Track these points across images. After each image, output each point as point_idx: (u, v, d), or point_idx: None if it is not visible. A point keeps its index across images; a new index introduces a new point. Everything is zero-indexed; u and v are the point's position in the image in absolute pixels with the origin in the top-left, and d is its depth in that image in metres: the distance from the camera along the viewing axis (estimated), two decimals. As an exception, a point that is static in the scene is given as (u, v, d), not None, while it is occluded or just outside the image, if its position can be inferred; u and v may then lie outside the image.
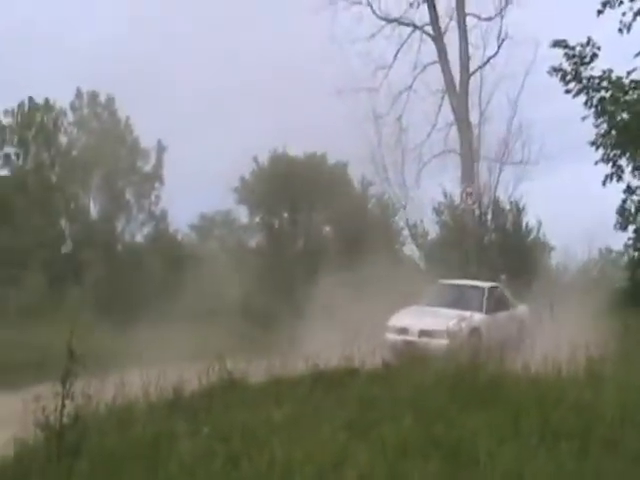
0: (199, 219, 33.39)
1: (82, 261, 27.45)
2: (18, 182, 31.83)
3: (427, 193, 29.22)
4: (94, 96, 36.70)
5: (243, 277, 24.24)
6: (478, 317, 15.42)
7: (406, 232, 30.78)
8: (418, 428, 7.01)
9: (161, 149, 36.19)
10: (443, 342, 13.81)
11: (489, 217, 29.42)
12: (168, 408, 7.37)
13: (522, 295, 18.72)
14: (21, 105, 36.03)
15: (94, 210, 33.20)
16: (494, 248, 27.39)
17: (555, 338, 12.11)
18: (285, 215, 32.40)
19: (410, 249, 31.10)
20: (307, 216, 32.32)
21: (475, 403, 7.88)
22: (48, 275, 23.89)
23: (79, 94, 36.66)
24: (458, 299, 16.08)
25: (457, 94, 27.36)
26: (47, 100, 36.15)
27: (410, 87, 27.99)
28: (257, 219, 31.99)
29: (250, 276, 24.20)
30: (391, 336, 15.06)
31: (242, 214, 32.76)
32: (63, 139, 36.74)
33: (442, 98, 27.92)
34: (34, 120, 36.13)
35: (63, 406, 6.18)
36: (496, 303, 16.33)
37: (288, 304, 20.68)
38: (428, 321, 15.08)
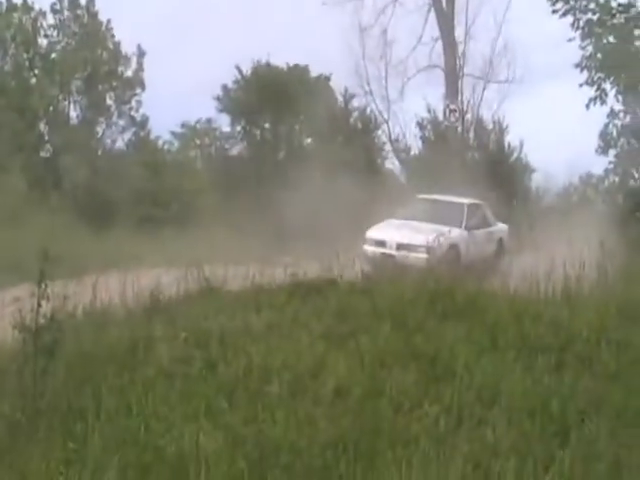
0: (180, 126, 32.95)
1: (62, 165, 27.13)
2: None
3: (410, 108, 28.99)
4: (74, -2, 35.71)
5: (222, 185, 24.09)
6: (457, 233, 15.04)
7: (388, 146, 30.58)
8: (396, 339, 7.04)
9: (142, 54, 35.44)
10: (421, 256, 13.69)
11: (471, 135, 29.27)
12: (145, 313, 7.34)
13: (502, 215, 18.58)
14: (-1, 6, 35.00)
15: (74, 114, 32.71)
16: (476, 166, 27.27)
17: (534, 258, 12.18)
18: (267, 125, 32.02)
19: (392, 163, 30.93)
20: (289, 127, 31.99)
21: (453, 317, 7.91)
22: (27, 179, 23.59)
23: (59, -5, 35.64)
24: (437, 214, 15.51)
25: (443, 9, 26.88)
26: (26, 0, 35.14)
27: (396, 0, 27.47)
28: (238, 128, 31.58)
29: (229, 185, 24.06)
30: (369, 248, 14.76)
31: (224, 123, 32.33)
32: (43, 41, 35.90)
33: (428, 12, 27.43)
34: (12, 21, 35.20)
35: (39, 306, 6.10)
36: (476, 220, 15.87)
37: (267, 214, 20.57)
38: (407, 235, 14.70)
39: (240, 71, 31.74)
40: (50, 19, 35.82)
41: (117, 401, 5.56)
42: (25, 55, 35.33)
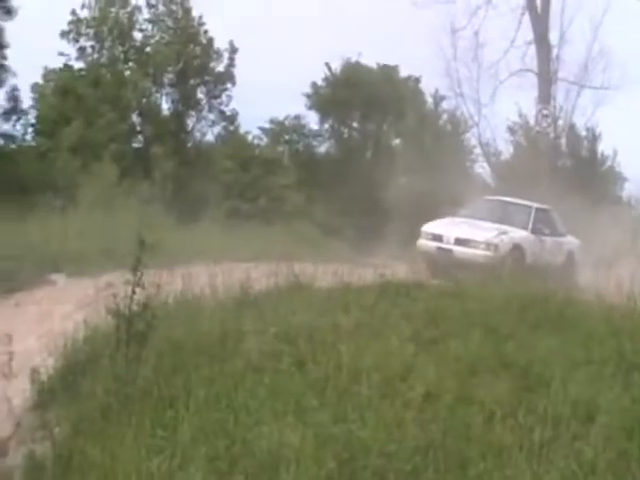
0: (269, 122, 33.16)
1: (152, 156, 27.66)
2: (92, 76, 31.94)
3: (501, 112, 28.57)
4: (169, -7, 36.40)
5: (309, 182, 24.14)
6: (522, 234, 14.18)
7: (478, 150, 30.16)
8: (487, 346, 6.87)
9: (234, 50, 35.89)
10: (481, 253, 13.05)
11: (563, 141, 28.64)
12: (235, 306, 7.36)
13: (588, 224, 17.79)
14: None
15: (165, 107, 33.31)
16: (566, 173, 26.68)
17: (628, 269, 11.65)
18: (355, 124, 31.99)
19: (481, 167, 30.49)
20: (377, 127, 31.88)
21: (546, 327, 7.69)
22: (119, 168, 24.13)
23: (155, -10, 36.37)
24: (502, 215, 14.67)
25: (538, 12, 26.33)
26: (124, -5, 35.97)
27: (489, 1, 27.04)
28: (327, 126, 31.64)
29: (316, 182, 24.10)
30: (424, 242, 13.98)
31: (312, 120, 32.44)
32: (138, 35, 36.73)
33: (522, 15, 26.91)
34: (109, 15, 36.10)
35: (133, 293, 6.18)
36: (544, 226, 14.76)
37: (354, 214, 20.52)
38: (465, 230, 13.85)
39: (330, 69, 31.83)
40: (145, 14, 36.65)
41: (206, 392, 5.56)
42: (120, 48, 36.17)
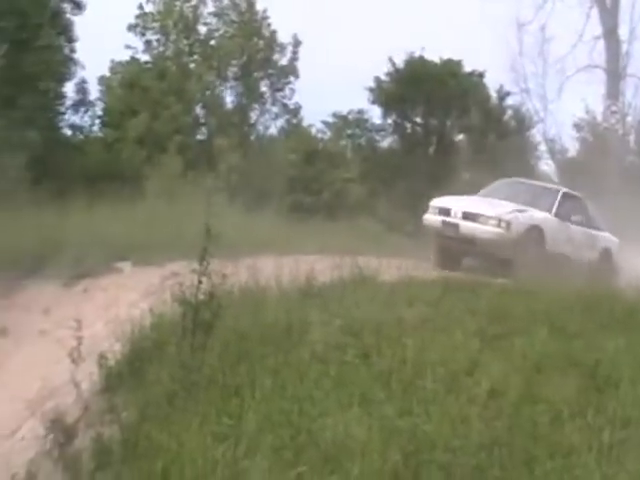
0: (332, 116, 33.13)
1: (216, 148, 27.92)
2: (158, 69, 32.38)
3: (568, 108, 28.11)
4: (233, -13, 36.74)
5: (372, 177, 24.08)
6: (542, 215, 12.73)
7: (543, 147, 29.70)
8: (554, 344, 6.78)
9: (297, 43, 36.00)
10: (489, 229, 11.81)
11: (632, 138, 28.03)
12: (300, 297, 7.39)
13: None
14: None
15: (229, 100, 33.58)
16: (635, 171, 26.10)
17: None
18: (418, 119, 31.77)
19: (546, 164, 30.02)
20: (440, 122, 31.61)
21: (614, 327, 7.55)
22: (183, 160, 24.45)
23: (219, -16, 36.73)
24: (524, 196, 13.26)
25: (607, 6, 25.81)
26: (188, -12, 36.42)
27: (557, -5, 26.65)
28: (389, 121, 31.47)
29: (379, 176, 24.02)
30: (430, 217, 12.77)
31: (375, 114, 32.29)
32: (202, 29, 37.15)
33: (590, 9, 26.43)
34: (174, 9, 36.59)
35: (200, 282, 6.24)
36: (572, 212, 13.30)
37: (416, 209, 20.40)
38: (477, 204, 12.61)
39: (393, 63, 31.64)
40: (210, 7, 37.04)
41: (272, 382, 5.59)
42: (185, 41, 36.61)
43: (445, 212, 12.46)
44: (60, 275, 10.51)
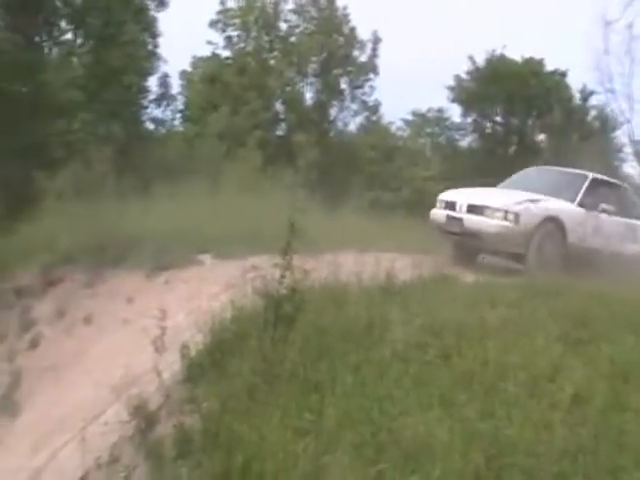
0: (411, 114, 33.02)
1: (295, 144, 28.09)
2: (238, 64, 32.74)
3: (656, 108, 27.30)
4: (314, -17, 36.90)
5: (451, 175, 23.85)
6: (562, 204, 11.21)
7: (628, 149, 28.94)
8: (640, 351, 6.60)
9: (377, 40, 35.94)
10: (494, 223, 10.59)
11: None
12: (380, 294, 7.37)
13: None
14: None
15: (309, 96, 33.76)
16: None
17: None
18: (498, 118, 31.39)
19: (631, 167, 29.23)
20: (521, 121, 31.17)
21: None
22: (263, 155, 24.68)
23: (298, -18, 36.93)
24: (545, 184, 11.87)
25: (703, 4, 25.03)
26: (269, -15, 36.72)
27: (645, -8, 25.90)
28: (469, 119, 31.19)
29: (458, 175, 23.75)
30: (436, 211, 11.67)
31: (455, 113, 32.06)
32: (282, 25, 37.41)
33: (681, 6, 25.64)
34: (255, 5, 36.94)
35: (283, 277, 6.28)
36: (604, 201, 11.65)
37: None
38: (485, 196, 11.37)
39: (474, 61, 31.34)
40: (290, 4, 37.30)
41: (352, 378, 5.59)
42: (265, 37, 36.93)
43: (451, 206, 11.36)
44: (143, 266, 10.72)
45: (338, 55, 35.70)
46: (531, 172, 13.01)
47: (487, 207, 10.80)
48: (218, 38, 35.05)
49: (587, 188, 11.57)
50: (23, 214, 12.67)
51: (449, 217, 11.19)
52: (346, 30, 36.85)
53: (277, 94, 32.45)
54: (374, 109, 33.44)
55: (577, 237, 10.99)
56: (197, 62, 34.64)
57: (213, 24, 36.21)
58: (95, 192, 12.20)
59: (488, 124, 30.75)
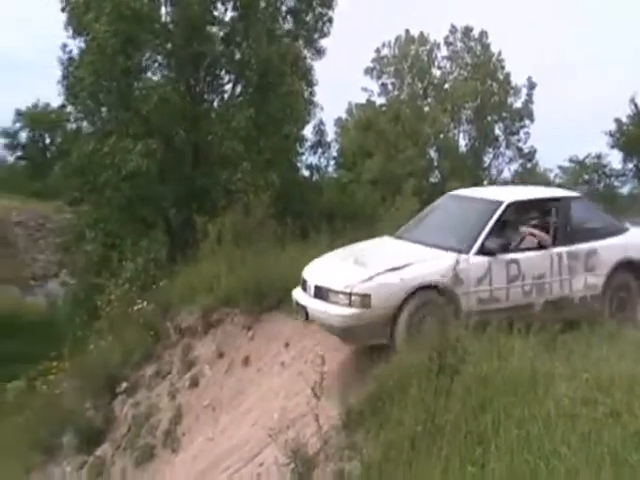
0: (568, 161, 32.24)
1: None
2: (393, 111, 33.14)
3: None
4: (468, 30, 36.99)
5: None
6: (445, 263, 7.81)
7: None
8: None
9: (532, 85, 35.54)
10: (337, 312, 7.72)
11: None
12: (542, 346, 7.14)
13: None
14: (398, 38, 37.46)
15: (462, 143, 33.72)
16: None
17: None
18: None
19: None
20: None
21: None
22: (419, 202, 24.70)
23: (453, 29, 37.15)
24: (446, 226, 9.02)
25: None
26: (422, 34, 37.12)
27: None
28: (630, 165, 30.09)
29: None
30: (294, 292, 8.73)
31: (614, 159, 31.05)
32: (436, 72, 37.63)
33: None
34: (409, 52, 37.41)
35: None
36: (535, 228, 8.78)
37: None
38: (335, 270, 8.37)
39: (635, 104, 30.29)
40: (444, 51, 37.49)
41: (516, 432, 5.44)
42: (419, 84, 37.23)
43: (304, 286, 8.54)
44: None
45: (492, 101, 35.52)
46: (438, 205, 9.66)
47: (329, 289, 7.98)
48: (373, 85, 35.71)
49: (495, 223, 8.33)
50: (185, 257, 13.20)
51: (297, 303, 8.47)
52: (500, 76, 36.65)
53: (431, 141, 32.56)
54: (529, 156, 32.96)
55: (477, 300, 7.92)
56: (352, 109, 35.34)
57: (368, 71, 36.93)
58: (254, 238, 12.56)
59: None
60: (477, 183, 29.90)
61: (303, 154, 27.33)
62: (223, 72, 23.16)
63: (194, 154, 21.51)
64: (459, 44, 37.55)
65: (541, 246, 8.52)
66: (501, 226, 8.42)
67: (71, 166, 21.51)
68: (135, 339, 11.40)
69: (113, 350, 11.56)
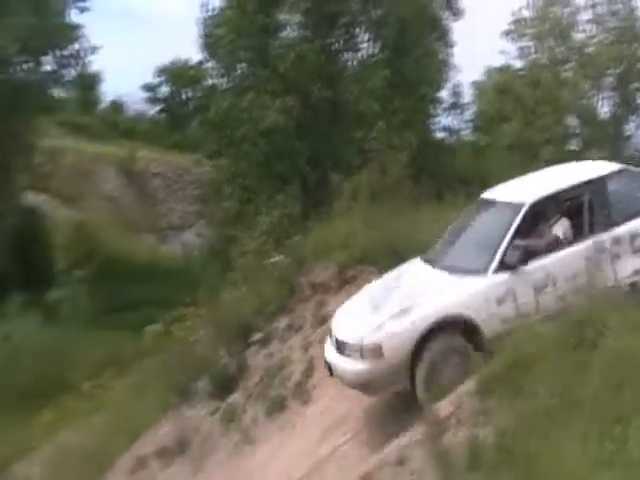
0: None
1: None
2: (531, 76, 32.19)
3: None
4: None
5: None
6: (459, 291, 7.30)
7: None
8: None
9: (684, 51, 33.68)
10: (351, 367, 7.38)
11: None
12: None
13: None
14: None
15: (604, 110, 32.41)
16: None
17: None
18: None
19: None
20: None
21: None
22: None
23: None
24: (468, 243, 8.17)
25: None
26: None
27: None
28: None
29: None
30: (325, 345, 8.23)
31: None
32: (578, 36, 36.15)
33: None
34: (550, 15, 36.06)
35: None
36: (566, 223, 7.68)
37: None
38: (354, 317, 7.90)
39: None
40: (587, 14, 35.91)
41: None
42: (560, 49, 35.89)
43: (331, 338, 7.97)
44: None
45: (637, 67, 33.89)
46: (468, 214, 8.73)
47: (344, 342, 7.49)
48: (511, 48, 34.69)
49: (516, 231, 7.36)
50: (319, 214, 13.32)
51: (326, 363, 7.94)
52: (646, 39, 34.90)
53: (570, 108, 31.46)
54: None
55: (501, 320, 7.10)
56: (490, 72, 34.54)
57: (507, 34, 35.87)
58: (390, 197, 12.55)
59: None
60: (618, 153, 28.82)
61: (439, 116, 27.06)
62: (359, 31, 23.08)
63: (330, 112, 21.61)
64: (603, 7, 35.94)
65: (574, 240, 7.52)
66: (526, 229, 7.49)
67: (209, 121, 22.06)
68: (269, 291, 11.59)
69: (247, 301, 11.81)
